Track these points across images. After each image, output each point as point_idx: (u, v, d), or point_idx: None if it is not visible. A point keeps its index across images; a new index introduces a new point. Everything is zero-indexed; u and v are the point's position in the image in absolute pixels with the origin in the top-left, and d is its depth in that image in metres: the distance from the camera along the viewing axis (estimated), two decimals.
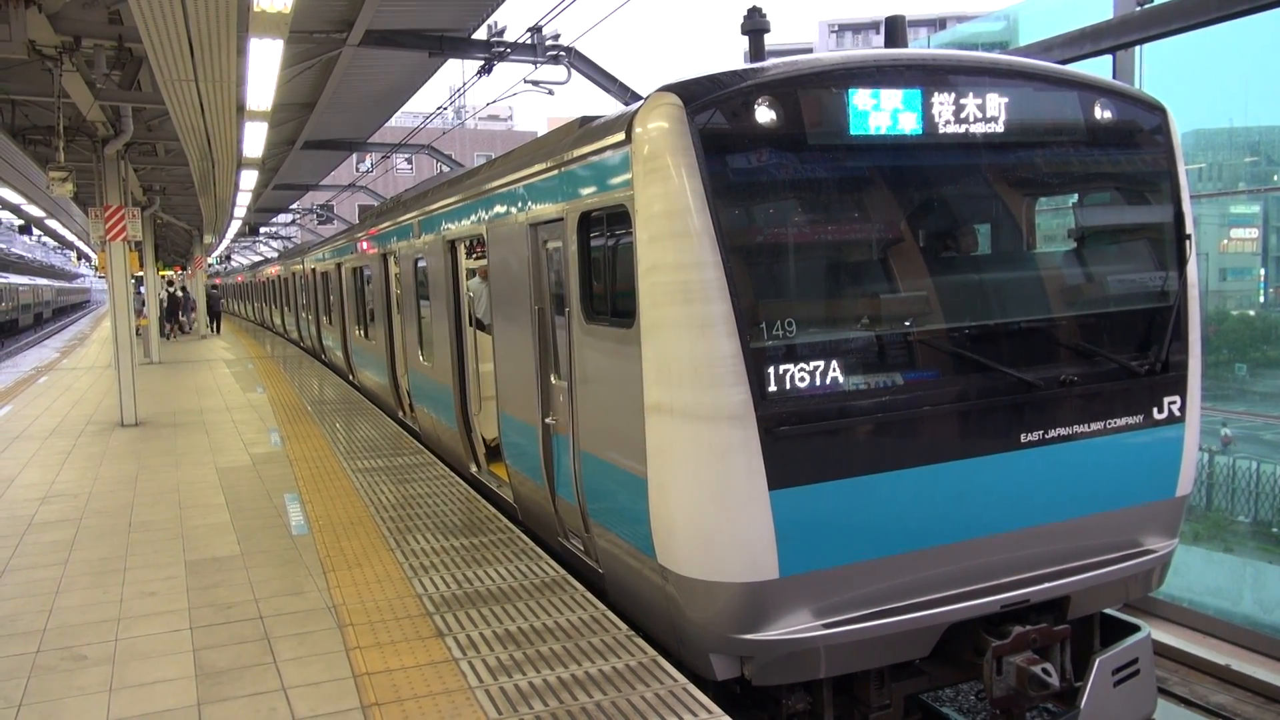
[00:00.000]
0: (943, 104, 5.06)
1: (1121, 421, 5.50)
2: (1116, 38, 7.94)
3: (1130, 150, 5.79)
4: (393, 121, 22.35)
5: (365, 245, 14.39)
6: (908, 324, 5.08)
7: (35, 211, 27.91)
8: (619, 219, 5.26)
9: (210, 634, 5.51)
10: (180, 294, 37.08)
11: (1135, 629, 5.96)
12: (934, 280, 5.26)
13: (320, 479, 9.29)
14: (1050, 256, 6.21)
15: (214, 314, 35.45)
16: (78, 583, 6.53)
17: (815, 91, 4.91)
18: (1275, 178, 13.39)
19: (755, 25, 5.99)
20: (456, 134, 47.39)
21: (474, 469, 9.37)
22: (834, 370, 4.76)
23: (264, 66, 9.10)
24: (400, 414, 12.94)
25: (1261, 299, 14.16)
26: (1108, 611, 6.07)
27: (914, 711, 5.69)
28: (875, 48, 5.72)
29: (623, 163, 5.09)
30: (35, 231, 39.89)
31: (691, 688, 4.60)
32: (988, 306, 5.45)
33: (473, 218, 8.24)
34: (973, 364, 5.09)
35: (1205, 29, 7.37)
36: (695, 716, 4.31)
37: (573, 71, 13.82)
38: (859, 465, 4.84)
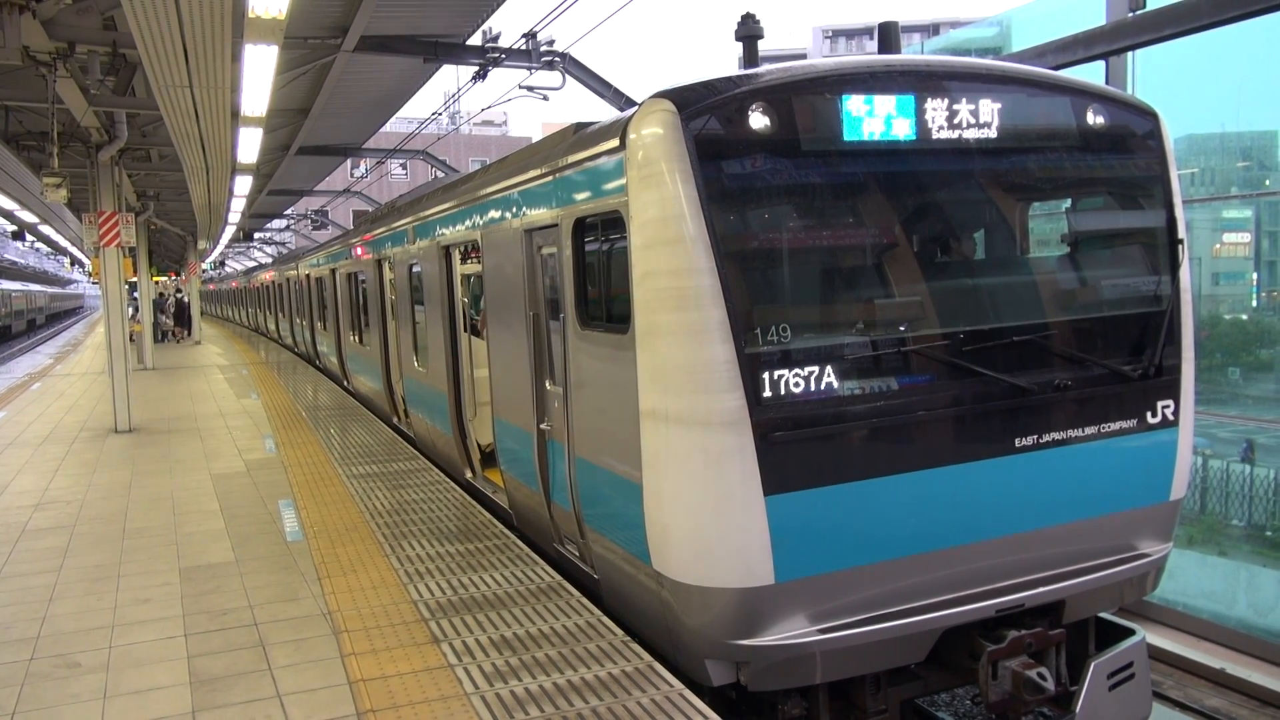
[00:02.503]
0: (936, 110, 5.07)
1: (1115, 426, 5.52)
2: (1109, 44, 7.97)
3: (1123, 155, 5.82)
4: (387, 127, 22.39)
5: (360, 251, 14.38)
6: (902, 329, 5.10)
7: (29, 217, 27.84)
8: (614, 225, 5.27)
9: (205, 641, 5.50)
10: (187, 300, 37.25)
11: (1130, 633, 5.96)
12: (928, 285, 5.28)
13: (315, 485, 9.27)
14: (1044, 261, 6.23)
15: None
16: (71, 590, 6.51)
17: (809, 97, 4.93)
18: (1267, 182, 13.44)
19: (749, 31, 6.01)
20: (451, 139, 47.38)
21: (469, 475, 9.36)
22: (829, 375, 4.77)
23: (259, 72, 9.09)
24: (395, 419, 12.93)
25: (1254, 303, 14.20)
26: (1103, 615, 6.07)
27: (910, 716, 5.69)
28: (869, 53, 5.74)
29: (617, 168, 5.10)
30: (28, 237, 39.78)
31: (687, 693, 4.60)
32: (982, 312, 5.46)
33: (467, 223, 8.24)
34: (967, 369, 5.10)
35: (1197, 34, 7.40)
36: None
37: (567, 77, 13.83)
38: (854, 470, 4.85)
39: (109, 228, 13.58)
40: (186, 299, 37.42)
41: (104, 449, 11.95)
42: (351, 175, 42.55)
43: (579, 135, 5.90)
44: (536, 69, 13.69)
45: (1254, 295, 14.27)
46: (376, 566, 6.65)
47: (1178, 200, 5.85)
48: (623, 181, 5.02)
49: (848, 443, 4.84)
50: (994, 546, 5.26)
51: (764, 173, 4.83)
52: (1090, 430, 5.43)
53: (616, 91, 13.72)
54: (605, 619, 5.55)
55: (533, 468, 6.80)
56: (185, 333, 35.15)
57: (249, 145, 13.37)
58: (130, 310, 19.51)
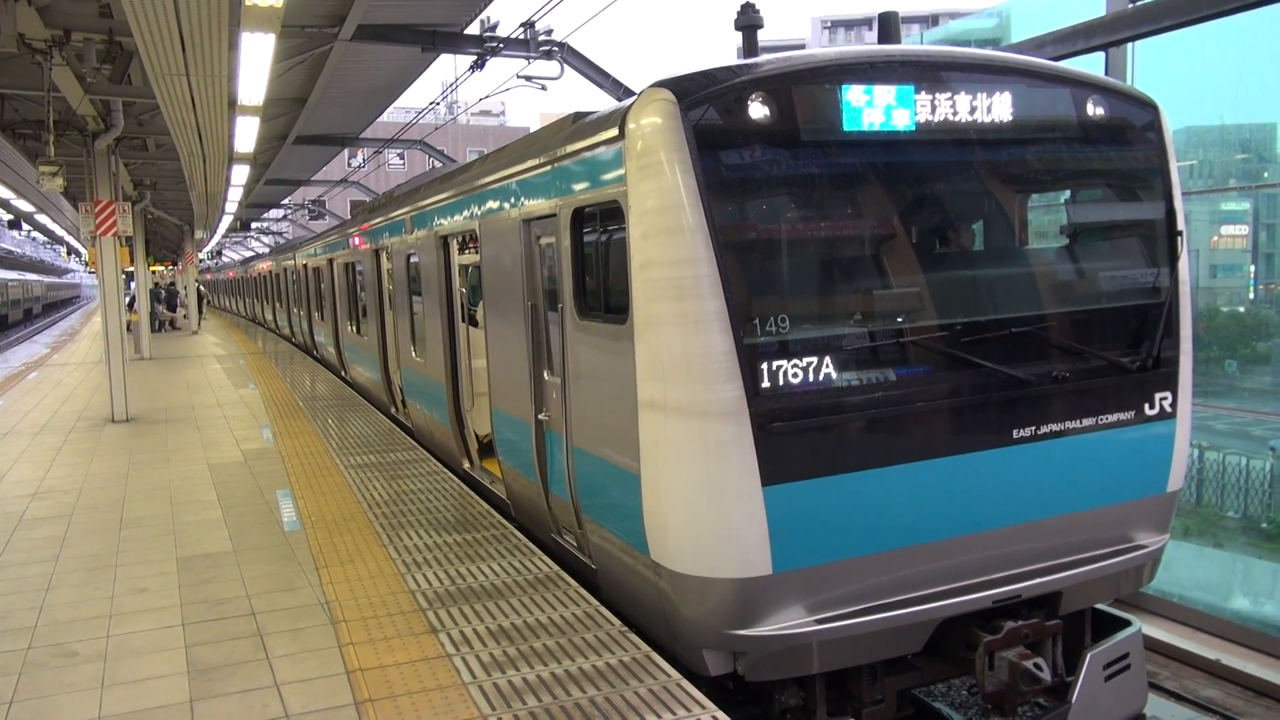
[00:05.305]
0: (936, 100, 5.06)
1: (1113, 417, 5.52)
2: (1109, 35, 7.96)
3: (1122, 147, 5.81)
4: (385, 116, 22.27)
5: (357, 241, 14.35)
6: (900, 320, 5.09)
7: (25, 206, 27.78)
8: (612, 215, 5.26)
9: (202, 630, 5.50)
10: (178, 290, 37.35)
11: (1126, 624, 5.98)
12: (927, 276, 5.27)
13: (312, 475, 9.27)
14: (1043, 253, 6.23)
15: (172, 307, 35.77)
16: (69, 579, 6.51)
17: (809, 87, 4.91)
18: (1265, 174, 13.43)
19: (749, 21, 5.99)
20: (449, 129, 47.22)
21: (467, 465, 9.36)
22: (827, 366, 4.77)
23: (256, 61, 9.06)
24: (393, 410, 12.92)
25: (1251, 295, 14.20)
26: (1099, 607, 6.09)
27: (906, 707, 5.71)
28: (868, 44, 5.72)
29: (616, 158, 5.08)
30: (24, 226, 39.70)
31: (685, 683, 4.61)
32: (980, 303, 5.46)
33: (465, 213, 8.22)
34: (965, 360, 5.10)
35: (1197, 26, 7.39)
36: (689, 712, 4.32)
37: (566, 67, 13.78)
38: (852, 461, 4.85)
39: (106, 217, 13.54)
40: (178, 288, 37.59)
41: (101, 438, 11.94)
42: (349, 165, 42.45)
43: (577, 125, 5.87)
44: (534, 58, 13.64)
45: (1251, 288, 14.26)
46: (374, 556, 6.65)
47: (1177, 192, 5.84)
48: (621, 171, 5.01)
49: (846, 434, 4.84)
50: (991, 538, 5.27)
51: (763, 163, 4.82)
52: (1088, 422, 5.43)
53: (615, 81, 13.67)
54: (603, 609, 5.56)
55: (530, 458, 6.80)
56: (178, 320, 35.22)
57: (246, 134, 13.33)
58: (126, 300, 19.51)
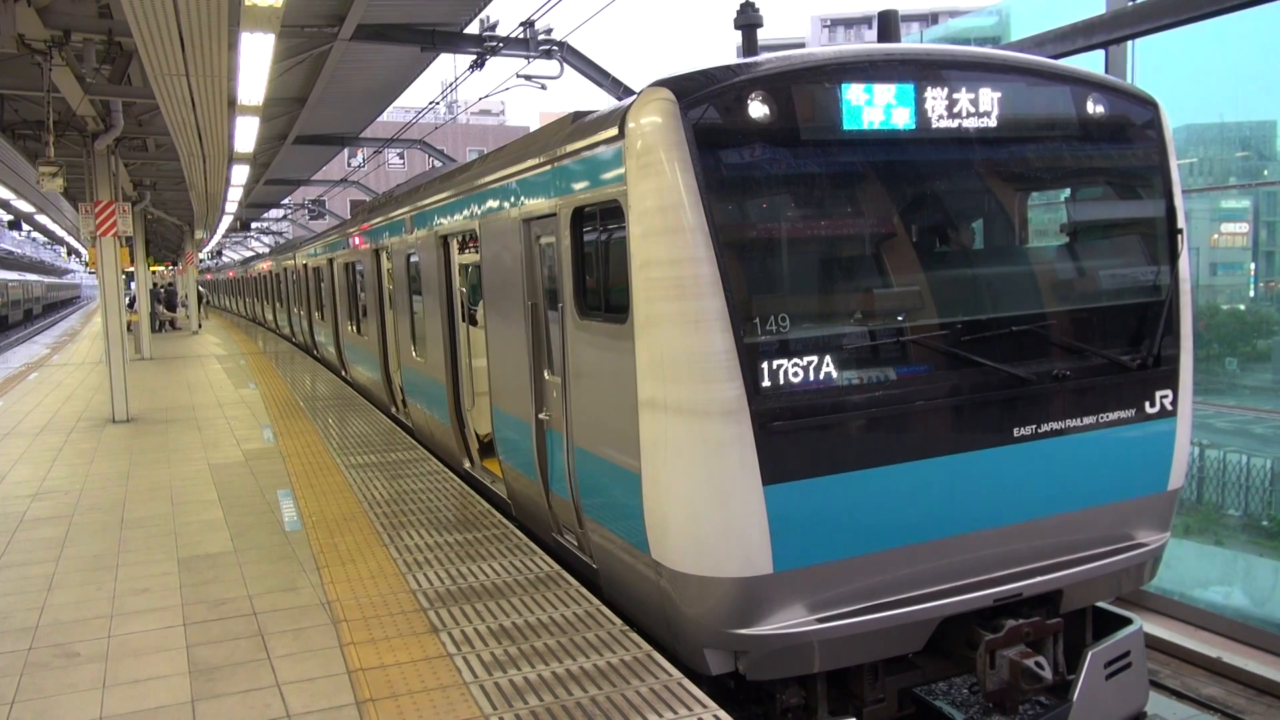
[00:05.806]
0: (936, 99, 5.06)
1: (1114, 416, 5.52)
2: (1109, 33, 7.96)
3: (1122, 145, 5.81)
4: (385, 116, 22.28)
5: (357, 240, 14.35)
6: (901, 319, 5.09)
7: (25, 207, 27.77)
8: (612, 214, 5.26)
9: (203, 630, 5.50)
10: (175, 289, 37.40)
11: (1127, 622, 5.98)
12: (927, 275, 5.28)
13: (313, 475, 9.27)
14: (1043, 251, 6.23)
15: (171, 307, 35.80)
16: (70, 579, 6.51)
17: (809, 86, 4.91)
18: (1265, 172, 13.43)
19: (748, 20, 6.00)
20: (449, 129, 47.16)
21: (467, 464, 9.36)
22: (827, 365, 4.77)
23: (255, 61, 9.06)
24: (393, 409, 12.92)
25: (1252, 293, 14.20)
26: (1100, 605, 6.09)
27: (907, 705, 5.71)
28: (868, 43, 5.72)
29: (616, 158, 5.08)
30: (24, 226, 39.70)
31: (686, 682, 4.61)
32: (980, 301, 5.46)
33: (465, 213, 8.22)
34: (965, 359, 5.10)
35: (1197, 24, 7.38)
36: (690, 711, 4.32)
37: (565, 66, 13.78)
38: (853, 460, 4.85)
39: (106, 217, 13.54)
40: (177, 289, 37.71)
41: (101, 439, 11.94)
42: (349, 165, 42.43)
43: (577, 124, 5.87)
44: (534, 58, 13.64)
45: (1251, 285, 14.26)
46: (375, 556, 6.66)
47: (1177, 190, 5.84)
48: (621, 171, 5.01)
49: (846, 432, 4.84)
50: (992, 536, 5.27)
51: (763, 162, 4.82)
52: (1088, 420, 5.43)
53: (615, 80, 13.67)
54: (604, 608, 5.56)
55: (531, 458, 6.80)
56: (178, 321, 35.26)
57: (245, 134, 13.32)
58: (127, 300, 19.52)
